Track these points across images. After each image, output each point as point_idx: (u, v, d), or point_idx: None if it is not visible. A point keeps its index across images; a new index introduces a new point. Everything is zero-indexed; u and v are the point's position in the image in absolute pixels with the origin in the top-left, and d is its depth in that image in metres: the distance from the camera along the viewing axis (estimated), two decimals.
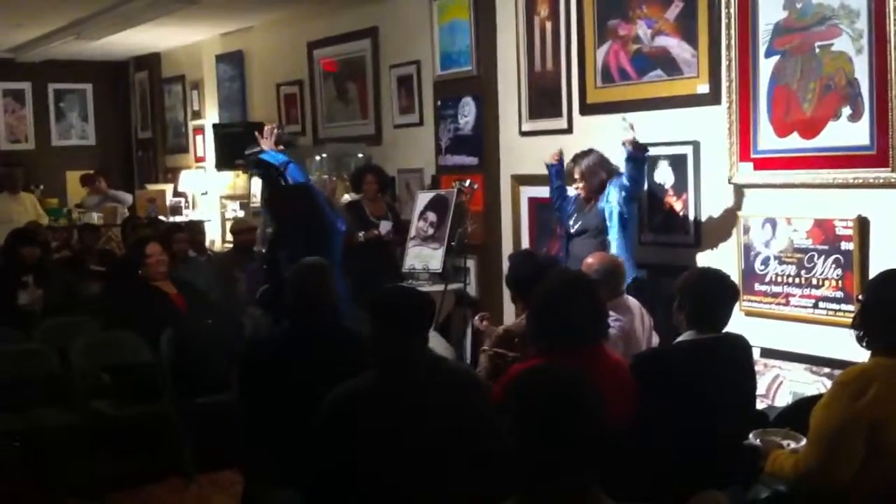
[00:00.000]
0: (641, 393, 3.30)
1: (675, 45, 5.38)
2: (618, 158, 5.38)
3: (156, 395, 5.37)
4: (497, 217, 6.77)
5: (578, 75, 6.02)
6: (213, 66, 10.66)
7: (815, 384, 4.62)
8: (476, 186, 6.57)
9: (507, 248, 6.60)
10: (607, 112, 5.79)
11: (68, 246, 9.07)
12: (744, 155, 5.01)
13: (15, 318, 6.19)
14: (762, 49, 4.89)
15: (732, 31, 5.00)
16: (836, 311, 4.64)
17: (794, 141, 4.79)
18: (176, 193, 11.27)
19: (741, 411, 3.47)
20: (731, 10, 4.99)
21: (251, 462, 3.81)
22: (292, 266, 4.12)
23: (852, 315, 3.17)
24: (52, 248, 8.36)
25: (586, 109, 5.99)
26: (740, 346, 3.56)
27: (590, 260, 4.52)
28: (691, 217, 5.37)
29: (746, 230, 5.04)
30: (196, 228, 8.43)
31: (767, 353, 4.89)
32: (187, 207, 11.01)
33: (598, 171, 5.38)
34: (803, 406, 3.43)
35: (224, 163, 9.61)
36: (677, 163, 5.41)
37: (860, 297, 3.17)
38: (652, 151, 5.26)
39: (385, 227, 7.00)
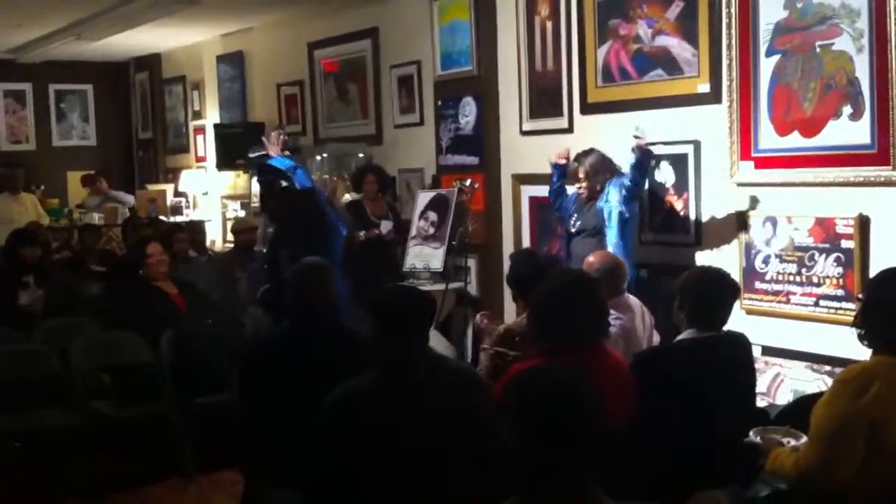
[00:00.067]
0: (642, 392, 3.29)
1: (676, 45, 5.37)
2: (618, 158, 5.38)
3: (156, 396, 5.36)
4: (498, 216, 6.77)
5: (579, 75, 6.01)
6: (214, 66, 10.66)
7: (816, 382, 4.62)
8: (477, 186, 6.56)
9: (507, 248, 6.60)
10: (608, 111, 5.80)
11: (69, 246, 9.06)
12: (745, 154, 5.01)
13: (15, 318, 6.19)
14: (763, 48, 4.89)
15: (733, 31, 5.00)
16: (836, 309, 4.64)
17: (795, 140, 4.79)
18: (177, 193, 11.27)
19: (741, 410, 3.47)
20: (732, 10, 4.99)
21: (251, 462, 3.80)
22: (293, 266, 4.12)
23: (853, 313, 3.17)
24: (53, 249, 8.35)
25: (587, 109, 5.98)
26: (741, 344, 3.56)
27: (591, 259, 4.52)
28: (692, 216, 5.37)
29: (747, 229, 5.03)
30: (197, 228, 8.43)
31: (768, 351, 4.89)
32: (188, 207, 11.01)
33: (601, 170, 5.38)
34: (804, 404, 3.44)
35: (225, 163, 9.63)
36: (678, 162, 5.41)
37: (860, 295, 3.17)
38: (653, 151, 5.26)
39: (386, 226, 7.00)
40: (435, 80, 7.18)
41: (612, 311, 3.84)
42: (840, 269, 4.63)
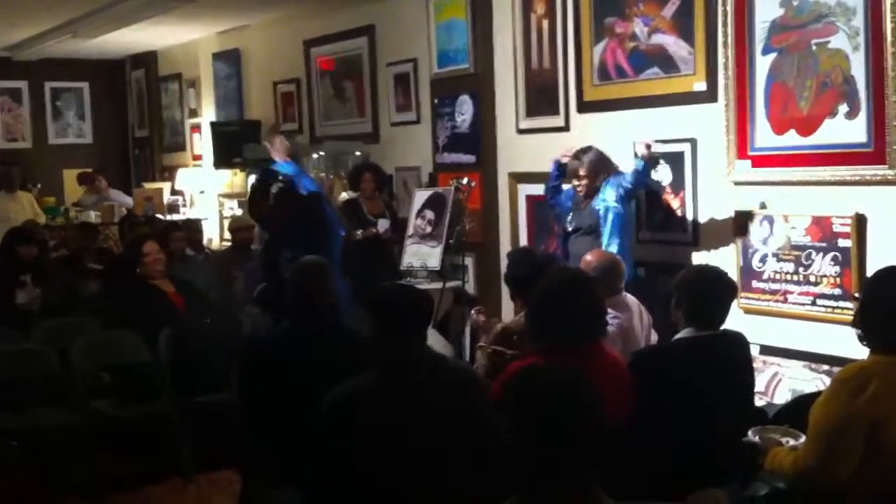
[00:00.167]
0: (640, 390, 3.30)
1: (672, 43, 5.38)
2: (615, 156, 5.40)
3: (155, 395, 5.37)
4: (495, 215, 6.78)
5: (575, 73, 6.02)
6: (210, 64, 10.64)
7: (814, 381, 4.63)
8: (474, 184, 6.56)
9: (505, 246, 6.61)
10: (604, 110, 5.81)
11: (66, 244, 9.05)
12: (741, 152, 5.02)
13: (13, 317, 6.19)
14: (759, 46, 4.90)
15: (729, 29, 5.00)
16: (834, 307, 4.65)
17: (792, 138, 4.80)
18: (173, 192, 11.25)
19: (739, 408, 3.47)
20: (728, 8, 5.00)
21: (251, 461, 3.80)
22: (292, 265, 4.12)
23: (850, 312, 3.18)
24: (50, 247, 8.35)
25: (583, 107, 5.99)
26: (738, 342, 3.56)
27: (588, 257, 4.52)
28: (689, 215, 5.38)
29: (746, 229, 5.04)
30: (194, 227, 8.41)
31: (766, 350, 4.90)
32: (185, 206, 10.99)
33: (601, 168, 5.38)
34: (802, 403, 3.45)
35: (221, 161, 9.61)
36: (675, 160, 5.41)
37: (857, 294, 3.18)
38: None
39: (383, 225, 7.00)
40: (431, 78, 7.18)
41: (609, 310, 3.85)
42: (837, 268, 4.64)
